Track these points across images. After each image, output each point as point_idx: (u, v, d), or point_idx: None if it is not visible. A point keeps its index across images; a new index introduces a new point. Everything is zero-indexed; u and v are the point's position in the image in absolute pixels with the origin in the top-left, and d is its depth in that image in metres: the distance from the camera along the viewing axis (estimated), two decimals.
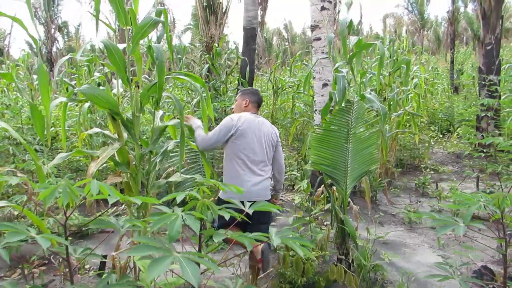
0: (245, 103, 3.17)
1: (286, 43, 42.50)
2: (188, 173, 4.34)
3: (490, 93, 7.40)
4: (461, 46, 33.76)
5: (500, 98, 7.60)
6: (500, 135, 7.39)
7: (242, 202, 1.57)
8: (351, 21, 3.73)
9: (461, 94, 14.26)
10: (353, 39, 3.93)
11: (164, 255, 1.16)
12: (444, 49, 35.06)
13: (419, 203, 5.43)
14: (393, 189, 5.95)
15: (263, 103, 11.90)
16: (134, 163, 2.93)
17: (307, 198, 4.03)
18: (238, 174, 2.88)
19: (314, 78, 5.13)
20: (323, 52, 4.96)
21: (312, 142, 3.14)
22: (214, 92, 7.42)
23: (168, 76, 2.88)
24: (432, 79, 13.03)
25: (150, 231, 2.78)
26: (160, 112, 3.08)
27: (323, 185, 3.40)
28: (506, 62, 11.38)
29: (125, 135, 2.95)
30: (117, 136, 2.91)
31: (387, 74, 5.96)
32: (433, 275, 1.86)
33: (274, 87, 9.61)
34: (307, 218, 3.27)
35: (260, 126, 3.01)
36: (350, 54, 3.87)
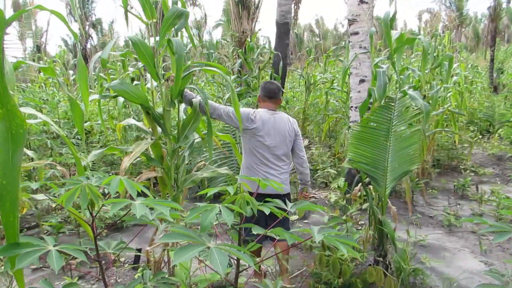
0: (258, 100, 3.17)
1: (318, 39, 42.03)
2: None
3: None
4: (502, 44, 32.32)
5: None
6: None
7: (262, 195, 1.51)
8: (394, 14, 3.58)
9: (501, 94, 13.65)
10: (394, 34, 3.77)
11: (195, 243, 1.12)
12: (483, 46, 33.70)
13: (458, 206, 5.19)
14: (430, 190, 5.72)
15: (294, 98, 11.81)
16: (166, 157, 2.92)
17: (342, 196, 3.91)
18: (253, 169, 3.00)
19: (350, 73, 4.98)
20: (360, 47, 4.81)
21: (351, 139, 3.03)
22: (246, 87, 7.37)
23: (195, 68, 2.83)
24: (471, 78, 12.50)
25: (185, 223, 2.76)
26: (183, 105, 3.03)
27: (360, 184, 3.27)
28: None
29: (158, 129, 2.94)
30: (151, 130, 2.90)
31: (427, 71, 5.73)
32: (485, 285, 1.73)
33: (306, 83, 9.47)
34: (343, 217, 3.16)
35: (277, 123, 3.00)
36: (392, 49, 3.72)
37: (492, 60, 16.67)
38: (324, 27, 46.43)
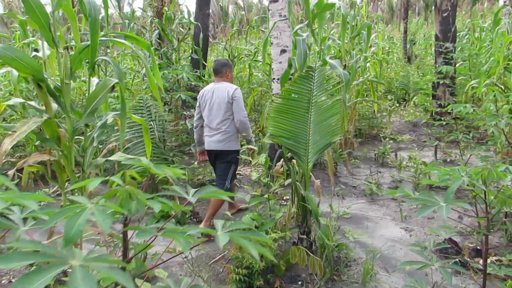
0: None
1: (243, 12, 41.43)
2: (134, 149, 3.94)
3: (446, 60, 7.36)
4: (414, 17, 34.28)
5: (455, 66, 7.60)
6: (455, 102, 7.44)
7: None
8: None
9: (414, 64, 14.42)
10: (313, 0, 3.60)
11: (51, 265, 0.79)
12: (397, 19, 35.57)
13: (379, 174, 5.32)
14: (353, 160, 5.81)
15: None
16: (66, 138, 2.53)
17: (266, 172, 3.75)
18: (205, 131, 3.73)
19: (271, 44, 4.77)
20: (280, 16, 4.59)
21: (271, 112, 2.83)
22: (166, 60, 6.89)
23: (104, 39, 2.43)
24: (387, 48, 13.00)
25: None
26: (96, 79, 2.65)
27: (282, 159, 3.12)
28: (459, 30, 11.47)
29: (55, 106, 2.53)
30: (44, 108, 2.48)
31: (347, 41, 5.70)
32: (411, 262, 1.64)
33: (230, 56, 9.17)
34: (266, 196, 2.99)
35: (214, 91, 3.60)
36: (310, 15, 3.55)
37: (405, 31, 17.54)
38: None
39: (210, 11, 7.88)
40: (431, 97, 8.12)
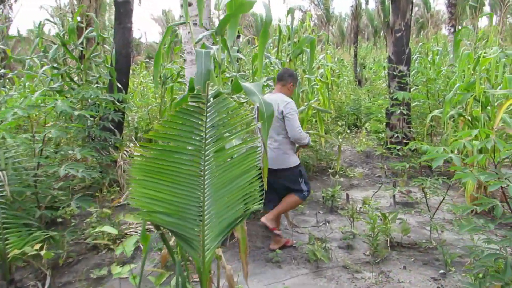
0: None
1: None
2: None
3: (401, 85, 6.57)
4: (363, 42, 34.93)
5: (410, 91, 6.84)
6: (411, 133, 6.65)
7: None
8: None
9: (364, 87, 13.93)
10: None
11: None
12: (347, 43, 36.22)
13: (327, 224, 4.26)
14: None
15: (153, 93, 10.18)
16: None
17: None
18: None
19: (185, 61, 3.66)
20: (195, 24, 3.51)
21: (133, 172, 1.65)
22: (69, 81, 5.58)
23: None
24: (338, 71, 12.34)
25: None
26: None
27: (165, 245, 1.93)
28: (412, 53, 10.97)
29: None
30: None
31: (287, 60, 4.70)
32: None
33: (162, 77, 7.97)
34: None
35: None
36: (221, 19, 2.46)
37: (355, 55, 17.31)
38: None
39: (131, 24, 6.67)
40: (384, 125, 7.31)
